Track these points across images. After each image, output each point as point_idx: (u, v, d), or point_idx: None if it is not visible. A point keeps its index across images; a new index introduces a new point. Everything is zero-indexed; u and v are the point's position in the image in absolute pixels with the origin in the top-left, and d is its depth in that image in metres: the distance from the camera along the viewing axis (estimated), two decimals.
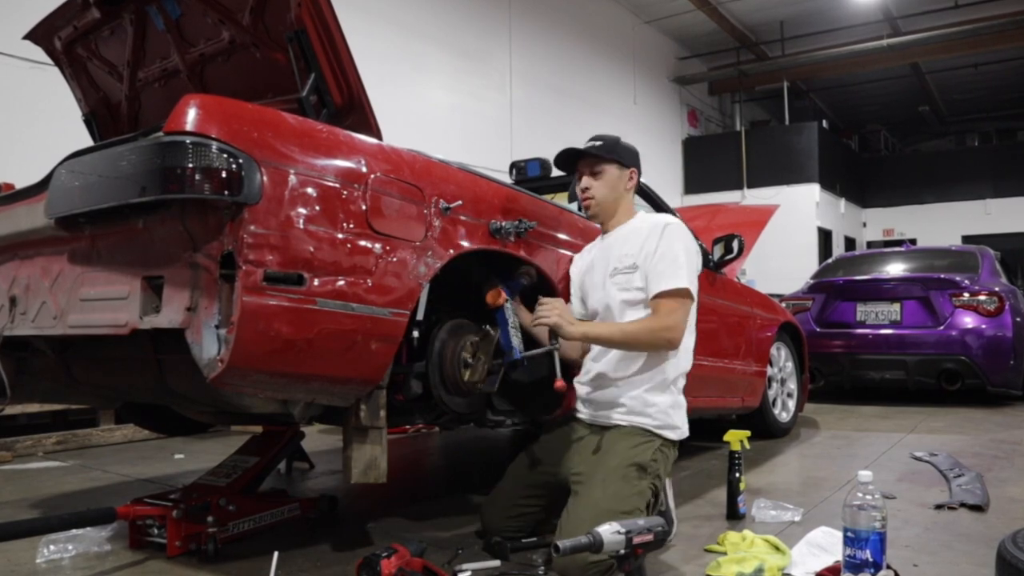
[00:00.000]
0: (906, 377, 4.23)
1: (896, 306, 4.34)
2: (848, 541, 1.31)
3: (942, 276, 4.33)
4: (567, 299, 1.86)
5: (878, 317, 4.37)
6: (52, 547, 1.62)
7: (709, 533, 1.78)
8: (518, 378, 1.81)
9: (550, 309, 1.59)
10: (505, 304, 1.69)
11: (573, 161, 1.81)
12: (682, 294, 1.62)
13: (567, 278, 1.91)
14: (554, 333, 1.63)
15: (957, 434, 3.32)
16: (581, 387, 1.75)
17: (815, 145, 9.66)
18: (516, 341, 1.68)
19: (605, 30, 8.36)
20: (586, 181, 1.77)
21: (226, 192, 1.22)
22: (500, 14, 6.81)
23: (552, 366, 1.66)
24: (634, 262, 1.68)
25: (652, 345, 1.62)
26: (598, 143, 1.79)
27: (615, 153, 1.77)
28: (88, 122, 2.11)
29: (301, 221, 1.31)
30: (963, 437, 3.22)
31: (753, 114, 11.82)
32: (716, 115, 11.26)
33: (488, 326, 1.66)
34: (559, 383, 1.60)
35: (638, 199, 2.64)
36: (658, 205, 2.63)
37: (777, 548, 1.60)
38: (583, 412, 1.75)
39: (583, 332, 1.61)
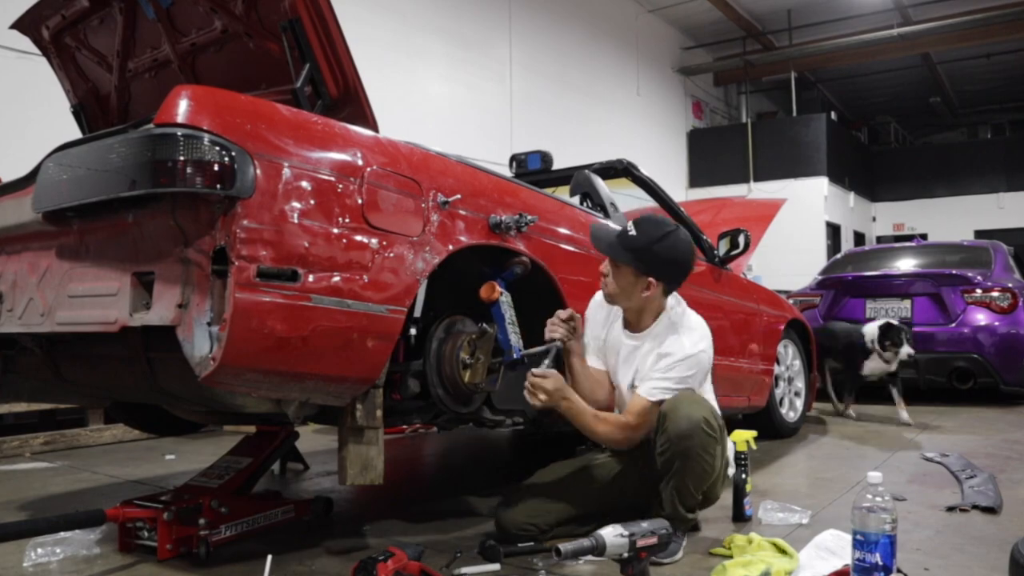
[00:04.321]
0: (917, 376, 4.16)
1: (907, 303, 4.27)
2: (857, 544, 1.28)
3: (954, 272, 4.26)
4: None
5: (888, 314, 4.30)
6: (39, 550, 1.60)
7: (714, 536, 1.75)
8: (516, 372, 1.77)
9: (560, 326, 1.59)
10: (500, 298, 1.63)
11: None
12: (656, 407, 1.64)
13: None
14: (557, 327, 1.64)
15: (969, 434, 3.27)
16: None
17: (823, 137, 9.57)
18: (515, 339, 1.63)
19: (608, 19, 8.29)
20: (604, 267, 1.71)
21: (218, 186, 1.20)
22: (500, 3, 6.75)
23: (552, 367, 1.62)
24: None
25: (611, 440, 1.67)
26: (631, 234, 1.65)
27: (634, 256, 1.63)
28: (77, 114, 2.08)
29: (295, 216, 1.29)
30: (975, 437, 3.18)
31: (760, 105, 11.71)
32: (721, 107, 11.17)
33: (485, 324, 1.62)
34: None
35: (640, 193, 2.60)
36: (662, 200, 2.58)
37: (784, 551, 1.56)
38: None
39: (567, 399, 1.60)
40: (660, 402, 1.63)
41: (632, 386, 1.72)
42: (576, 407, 1.61)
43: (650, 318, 1.72)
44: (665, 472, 1.61)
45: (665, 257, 1.65)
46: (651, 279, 1.65)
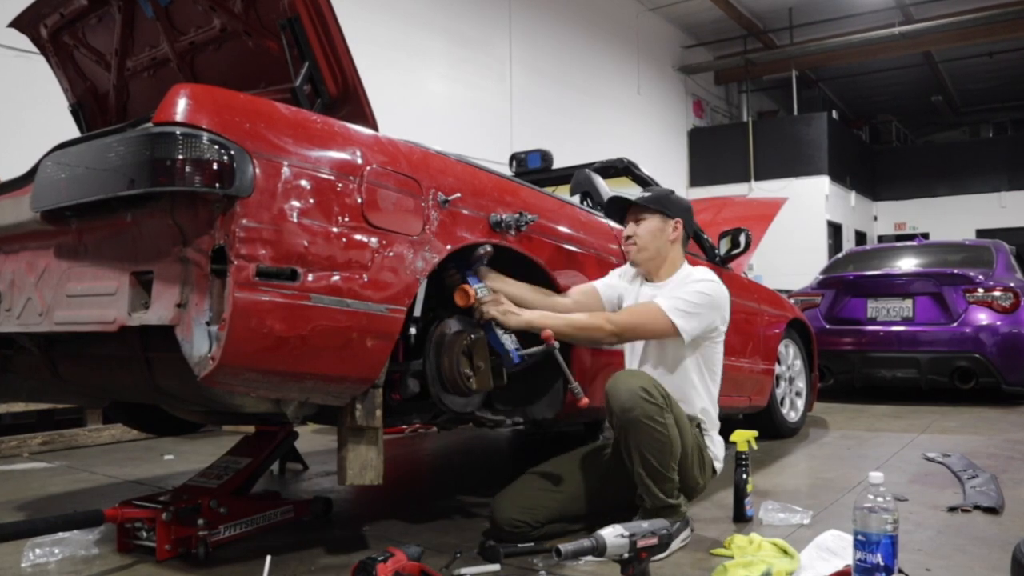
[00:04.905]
0: (918, 375, 4.16)
1: (908, 302, 4.26)
2: (858, 544, 1.27)
3: (955, 271, 4.25)
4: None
5: (889, 314, 4.30)
6: (38, 551, 1.59)
7: (715, 536, 1.74)
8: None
9: (489, 304, 1.61)
10: (477, 299, 1.60)
11: (622, 210, 1.91)
12: (664, 322, 1.69)
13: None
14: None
15: (971, 434, 3.26)
16: None
17: (824, 136, 9.54)
18: (508, 340, 1.62)
19: (608, 18, 8.27)
20: (630, 228, 1.86)
21: (217, 185, 1.19)
22: (500, 1, 6.73)
23: (560, 371, 1.61)
24: None
25: (590, 333, 1.69)
26: (647, 194, 1.89)
27: (659, 204, 1.85)
28: (75, 112, 2.08)
29: (295, 215, 1.28)
30: (977, 437, 3.17)
31: (760, 104, 11.69)
32: (722, 105, 11.14)
33: (474, 331, 1.61)
34: (583, 401, 1.59)
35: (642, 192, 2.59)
36: None
37: (785, 552, 1.56)
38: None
39: (527, 321, 1.64)
40: (666, 319, 1.67)
41: None
42: (544, 318, 1.66)
43: (670, 269, 1.85)
44: (628, 453, 1.62)
45: (682, 204, 1.90)
46: (677, 220, 1.85)
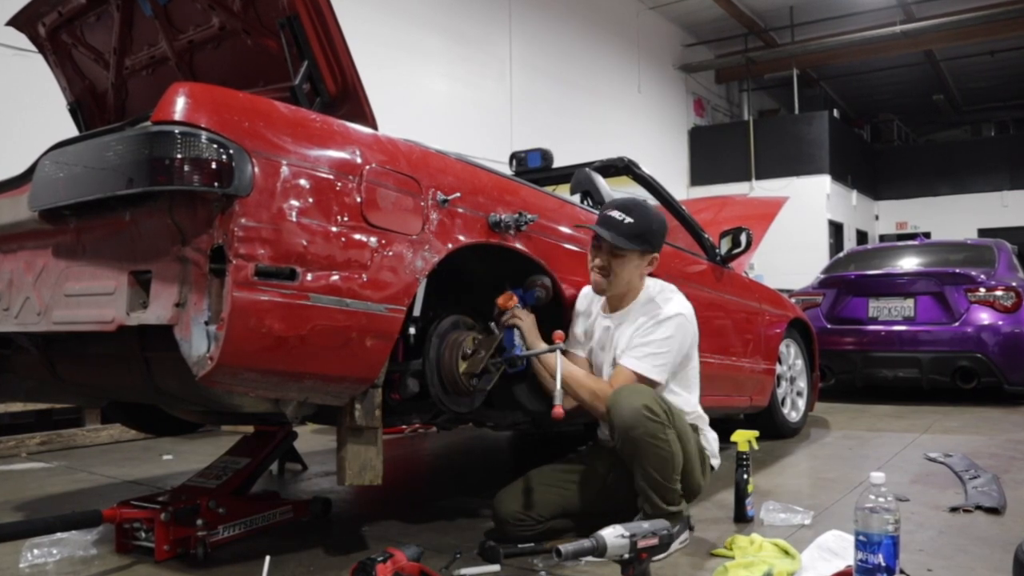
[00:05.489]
0: (920, 375, 4.15)
1: (910, 302, 4.25)
2: (860, 545, 1.27)
3: (957, 271, 4.25)
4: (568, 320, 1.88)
5: (891, 313, 4.29)
6: (36, 551, 1.59)
7: (716, 537, 1.74)
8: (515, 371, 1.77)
9: (520, 317, 1.63)
10: (514, 308, 1.67)
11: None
12: (646, 384, 1.66)
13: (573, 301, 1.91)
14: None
15: (973, 434, 3.26)
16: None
17: (826, 135, 9.54)
18: (519, 341, 1.65)
19: (608, 16, 8.26)
20: (604, 258, 1.71)
21: (216, 184, 1.19)
22: (500, 0, 6.71)
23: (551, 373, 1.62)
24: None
25: (588, 401, 1.67)
26: (628, 221, 1.68)
27: (645, 242, 1.70)
28: (73, 111, 2.07)
29: (294, 214, 1.28)
30: (979, 437, 3.16)
31: (761, 103, 11.68)
32: (723, 104, 11.13)
33: (493, 325, 1.64)
34: (557, 409, 1.54)
35: (641, 192, 2.58)
36: (663, 198, 2.56)
37: (786, 552, 1.55)
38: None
39: (541, 353, 1.65)
40: (644, 377, 1.66)
41: (615, 364, 1.74)
42: (550, 359, 1.65)
43: (631, 298, 1.77)
44: (630, 465, 1.62)
45: (662, 232, 1.77)
46: (655, 255, 1.75)
